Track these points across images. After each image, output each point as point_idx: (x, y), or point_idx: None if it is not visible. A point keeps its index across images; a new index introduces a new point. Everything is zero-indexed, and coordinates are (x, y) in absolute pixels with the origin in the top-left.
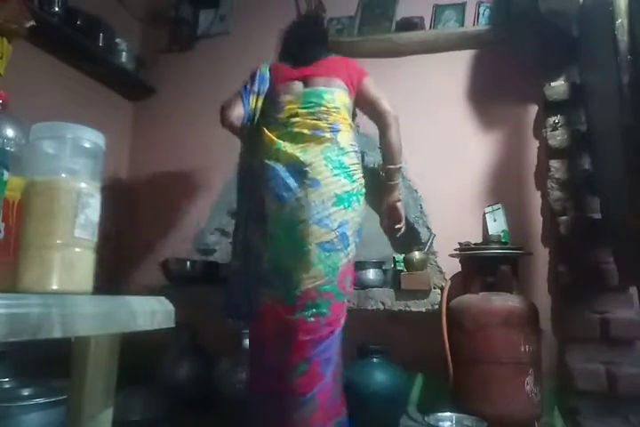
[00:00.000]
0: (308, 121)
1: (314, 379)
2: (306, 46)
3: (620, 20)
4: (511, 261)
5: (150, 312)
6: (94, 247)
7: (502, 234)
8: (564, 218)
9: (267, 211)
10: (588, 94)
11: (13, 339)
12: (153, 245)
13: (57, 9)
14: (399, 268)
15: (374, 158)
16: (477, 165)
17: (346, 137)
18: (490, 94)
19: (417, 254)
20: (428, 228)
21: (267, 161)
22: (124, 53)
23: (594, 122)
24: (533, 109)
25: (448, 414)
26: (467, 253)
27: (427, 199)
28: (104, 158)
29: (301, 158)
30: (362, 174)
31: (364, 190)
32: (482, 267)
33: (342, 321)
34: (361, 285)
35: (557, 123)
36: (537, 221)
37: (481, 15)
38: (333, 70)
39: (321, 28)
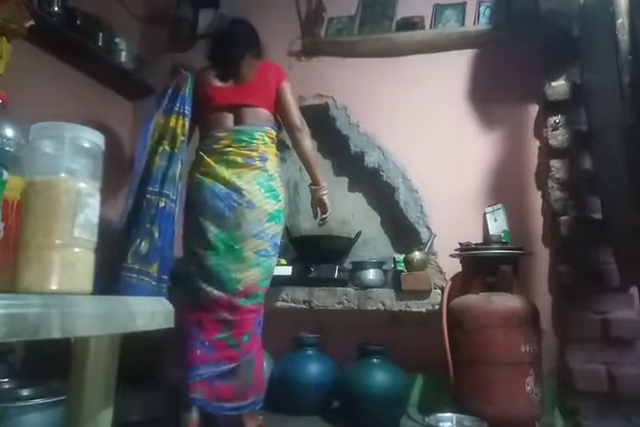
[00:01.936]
0: (241, 151)
1: (255, 342)
2: (233, 50)
3: (620, 20)
4: (512, 261)
5: (150, 313)
6: (94, 247)
7: (503, 234)
8: (564, 218)
9: (202, 222)
10: (588, 94)
11: (13, 339)
12: None
13: (56, 9)
14: (399, 268)
15: (374, 158)
16: (478, 165)
17: (273, 164)
18: (490, 94)
19: (417, 255)
20: (428, 228)
21: (207, 182)
22: (123, 53)
23: (595, 122)
24: (534, 109)
25: (448, 414)
26: (467, 254)
27: (427, 199)
28: (104, 158)
29: (237, 184)
30: (284, 193)
31: (284, 205)
32: (482, 267)
33: None
34: (361, 285)
35: (558, 123)
36: (537, 221)
37: (481, 15)
38: (259, 94)
39: (250, 30)
